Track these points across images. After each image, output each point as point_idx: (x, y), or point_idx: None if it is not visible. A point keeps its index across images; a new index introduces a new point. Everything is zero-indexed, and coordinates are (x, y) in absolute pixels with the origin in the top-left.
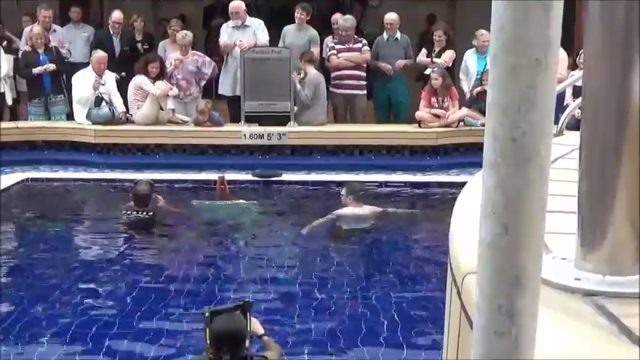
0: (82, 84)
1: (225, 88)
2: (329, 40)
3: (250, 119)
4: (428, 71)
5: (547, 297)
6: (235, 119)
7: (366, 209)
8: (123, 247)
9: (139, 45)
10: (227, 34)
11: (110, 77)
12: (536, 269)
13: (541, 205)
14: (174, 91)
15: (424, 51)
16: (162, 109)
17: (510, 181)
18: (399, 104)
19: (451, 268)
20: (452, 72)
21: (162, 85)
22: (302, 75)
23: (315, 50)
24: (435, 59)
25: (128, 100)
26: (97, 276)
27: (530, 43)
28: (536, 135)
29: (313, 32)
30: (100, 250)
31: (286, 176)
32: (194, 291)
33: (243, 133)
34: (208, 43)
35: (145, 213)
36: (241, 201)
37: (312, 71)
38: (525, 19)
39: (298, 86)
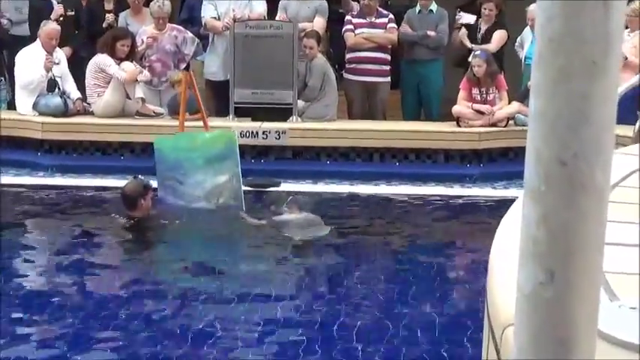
0: (29, 64)
1: (212, 71)
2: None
3: (241, 112)
4: (473, 47)
5: (609, 358)
6: (222, 111)
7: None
8: (94, 257)
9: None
10: (212, 5)
11: (62, 56)
12: (591, 327)
13: (597, 246)
14: (146, 75)
15: (464, 30)
16: (130, 98)
17: (557, 215)
18: (432, 96)
19: (489, 316)
20: (501, 56)
21: (130, 68)
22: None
23: (321, 24)
24: (475, 46)
25: (86, 85)
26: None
27: (585, 40)
28: (591, 156)
29: (321, 0)
30: (64, 260)
31: (286, 186)
32: (164, 311)
33: (232, 129)
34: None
35: (129, 219)
36: (219, 131)
37: (318, 55)
38: (579, 10)
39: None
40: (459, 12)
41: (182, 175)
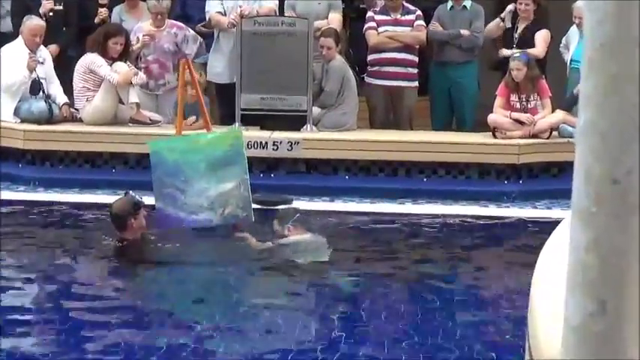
0: (10, 64)
1: (216, 72)
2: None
3: (249, 120)
4: (506, 53)
5: None
6: (227, 119)
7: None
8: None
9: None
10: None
11: (47, 55)
12: None
13: None
14: (141, 77)
15: (500, 23)
16: (123, 104)
17: (609, 239)
18: (465, 103)
19: (530, 351)
20: (543, 58)
21: (123, 69)
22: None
23: (336, 20)
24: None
25: (74, 88)
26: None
27: None
28: None
29: None
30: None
31: (299, 203)
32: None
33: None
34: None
35: (119, 240)
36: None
37: (336, 57)
38: (633, 12)
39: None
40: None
41: (183, 182)
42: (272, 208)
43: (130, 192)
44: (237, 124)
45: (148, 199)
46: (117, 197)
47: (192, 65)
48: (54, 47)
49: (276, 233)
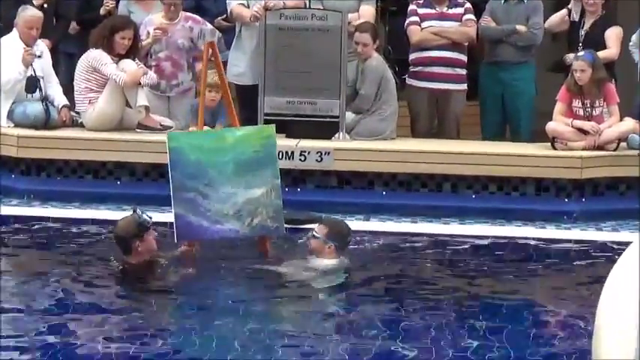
0: (3, 60)
1: (237, 72)
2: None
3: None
4: (570, 57)
5: None
6: (249, 124)
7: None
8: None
9: None
10: None
11: (45, 49)
12: None
13: None
14: (151, 77)
15: (565, 17)
16: (131, 107)
17: None
18: (521, 109)
19: None
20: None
21: (131, 67)
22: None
23: (370, 14)
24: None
25: (75, 89)
26: None
27: None
28: None
29: None
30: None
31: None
32: None
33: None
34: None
35: (124, 264)
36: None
37: (374, 55)
38: None
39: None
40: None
41: (206, 186)
42: (298, 227)
43: (137, 210)
44: None
45: (159, 216)
46: (122, 215)
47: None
48: (46, 43)
49: (303, 254)
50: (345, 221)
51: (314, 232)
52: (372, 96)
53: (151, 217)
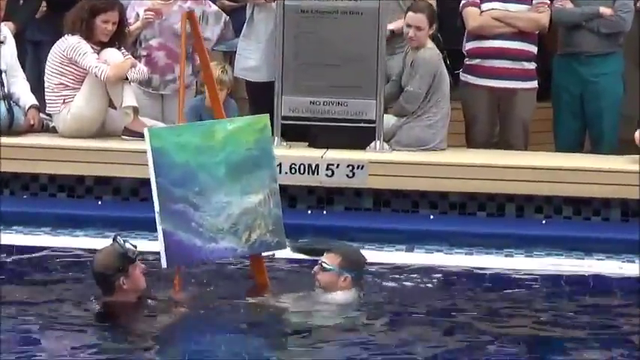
0: None
1: (248, 65)
2: None
3: (293, 133)
4: None
5: None
6: None
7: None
8: None
9: None
10: None
11: (9, 34)
12: None
13: None
14: (141, 70)
15: None
16: (115, 108)
17: None
18: (605, 113)
19: None
20: None
21: (116, 58)
22: (406, 49)
23: None
24: None
25: (46, 86)
26: None
27: None
28: None
29: None
30: None
31: (364, 254)
32: None
33: (277, 161)
34: None
35: (104, 306)
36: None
37: (428, 44)
38: None
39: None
40: None
41: (197, 195)
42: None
43: (119, 238)
44: (275, 138)
45: (150, 244)
46: (103, 243)
47: (208, 51)
48: (9, 27)
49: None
50: (362, 251)
51: (323, 264)
52: (422, 95)
53: (135, 247)
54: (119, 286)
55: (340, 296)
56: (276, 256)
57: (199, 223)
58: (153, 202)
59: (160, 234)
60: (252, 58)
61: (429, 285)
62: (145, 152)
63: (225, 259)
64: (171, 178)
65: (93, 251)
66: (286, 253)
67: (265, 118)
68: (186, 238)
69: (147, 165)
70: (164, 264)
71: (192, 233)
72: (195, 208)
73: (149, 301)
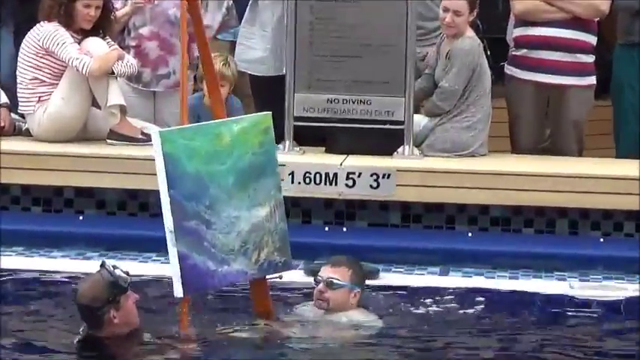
0: None
1: (253, 57)
2: None
3: (306, 136)
4: None
5: None
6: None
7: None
8: None
9: None
10: None
11: None
12: None
13: None
14: (130, 64)
15: None
16: (100, 107)
17: None
18: None
19: None
20: None
21: (100, 48)
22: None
23: None
24: None
25: (18, 82)
26: None
27: None
28: None
29: None
30: None
31: (390, 278)
32: None
33: (288, 169)
34: None
35: (88, 342)
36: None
37: (467, 32)
38: None
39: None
40: None
41: (207, 210)
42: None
43: (107, 264)
44: (287, 142)
45: (141, 267)
46: (84, 267)
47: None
48: None
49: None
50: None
51: (333, 280)
52: (459, 92)
53: (127, 273)
54: (109, 320)
55: (359, 316)
56: (283, 279)
57: (212, 243)
58: (144, 218)
59: (173, 257)
60: (256, 49)
61: (468, 313)
62: (134, 159)
63: (236, 283)
64: (184, 190)
65: (73, 275)
66: (297, 275)
67: (268, 117)
68: (201, 261)
69: (137, 173)
70: (179, 292)
71: (206, 255)
72: (207, 226)
73: (146, 335)
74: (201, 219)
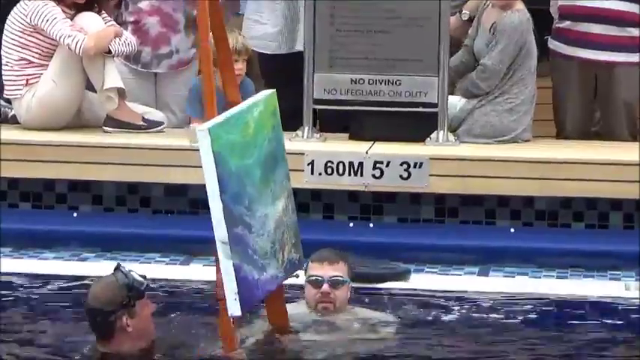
0: None
1: (263, 33)
2: None
3: (328, 121)
4: None
5: None
6: (288, 118)
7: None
8: None
9: None
10: None
11: None
12: None
13: None
14: (128, 41)
15: None
16: (95, 90)
17: None
18: None
19: None
20: None
21: (95, 25)
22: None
23: None
24: None
25: (2, 62)
26: None
27: None
28: None
29: None
30: None
31: (421, 280)
32: None
33: (308, 158)
34: None
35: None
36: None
37: (517, 4)
38: None
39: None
40: None
41: (248, 211)
42: (367, 286)
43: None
44: (306, 128)
45: (144, 270)
46: (79, 269)
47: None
48: None
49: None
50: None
51: (337, 278)
52: (503, 72)
53: (145, 277)
54: (122, 328)
55: (372, 313)
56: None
57: (254, 249)
58: (144, 215)
59: (229, 272)
60: (266, 24)
61: (510, 319)
62: (134, 148)
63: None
64: (230, 192)
65: (68, 279)
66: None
67: (274, 95)
68: (248, 270)
69: (138, 164)
70: (236, 311)
71: (252, 264)
72: (249, 230)
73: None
74: (245, 223)
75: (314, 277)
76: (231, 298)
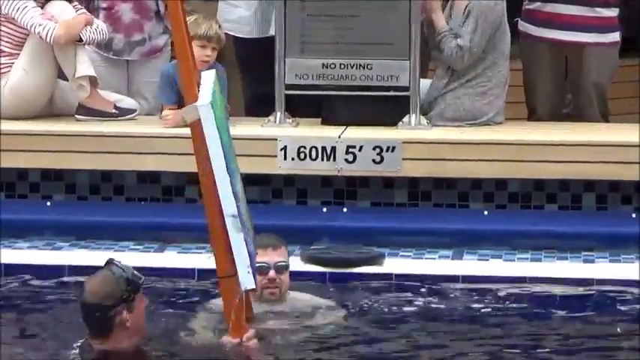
0: None
1: (236, 16)
2: None
3: (300, 105)
4: None
5: None
6: (258, 103)
7: None
8: None
9: None
10: None
11: None
12: None
13: None
14: (100, 29)
15: None
16: (67, 79)
17: None
18: None
19: None
20: None
21: (66, 12)
22: None
23: None
24: None
25: None
26: None
27: None
28: None
29: None
30: None
31: (396, 264)
32: None
33: (281, 143)
34: None
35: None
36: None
37: None
38: None
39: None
40: None
41: (236, 184)
42: (346, 271)
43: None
44: (278, 113)
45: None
46: (52, 259)
47: None
48: None
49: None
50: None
51: (282, 263)
52: (478, 53)
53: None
54: (121, 324)
55: (313, 298)
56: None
57: (245, 225)
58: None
59: (240, 245)
60: (240, 7)
61: (484, 302)
62: (107, 136)
63: None
64: (229, 167)
65: (42, 269)
66: (294, 262)
67: (222, 71)
68: (249, 244)
69: (110, 152)
70: (251, 284)
71: (249, 238)
72: (237, 201)
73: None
74: (236, 195)
75: (259, 264)
76: (244, 271)
